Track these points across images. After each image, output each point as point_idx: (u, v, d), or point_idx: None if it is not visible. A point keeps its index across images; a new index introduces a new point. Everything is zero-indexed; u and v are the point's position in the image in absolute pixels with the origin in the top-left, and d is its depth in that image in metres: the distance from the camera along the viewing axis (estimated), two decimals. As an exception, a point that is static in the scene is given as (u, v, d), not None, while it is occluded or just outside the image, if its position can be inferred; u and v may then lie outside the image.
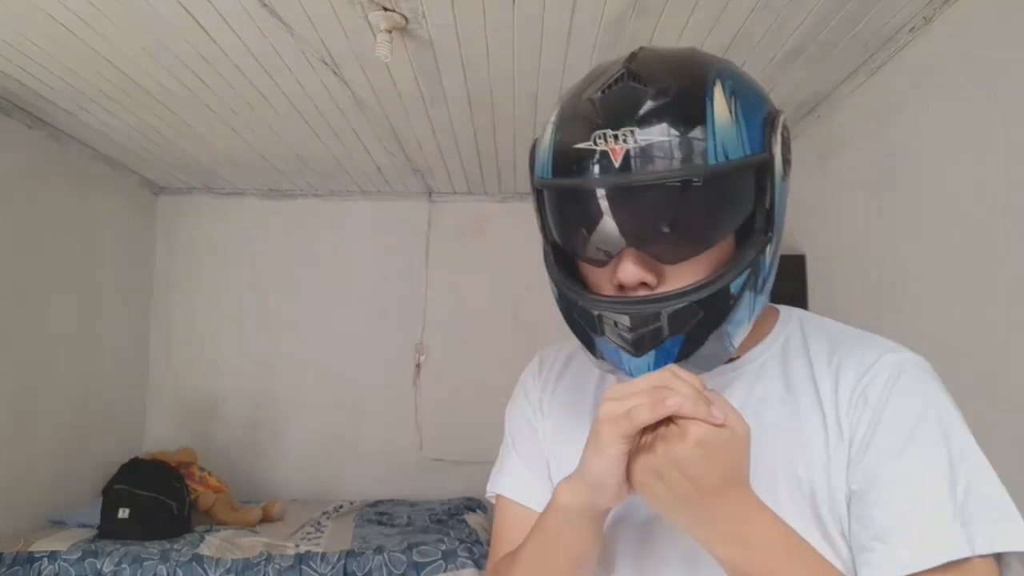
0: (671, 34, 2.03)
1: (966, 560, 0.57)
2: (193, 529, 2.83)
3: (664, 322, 0.61)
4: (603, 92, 0.62)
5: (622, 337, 0.63)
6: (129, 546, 2.49)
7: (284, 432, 3.71)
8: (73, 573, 2.36)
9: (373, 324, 3.77)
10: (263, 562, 2.41)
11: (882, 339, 0.70)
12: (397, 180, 3.62)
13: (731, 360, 0.71)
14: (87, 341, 3.15)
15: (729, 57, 0.86)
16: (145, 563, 2.37)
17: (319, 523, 3.07)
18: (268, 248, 3.81)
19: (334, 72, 2.29)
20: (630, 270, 0.62)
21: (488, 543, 2.02)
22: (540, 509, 0.71)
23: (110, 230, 3.36)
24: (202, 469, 3.23)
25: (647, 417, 0.56)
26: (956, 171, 1.81)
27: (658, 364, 0.62)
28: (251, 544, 2.66)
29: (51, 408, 2.90)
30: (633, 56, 0.64)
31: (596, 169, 0.60)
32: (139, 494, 2.71)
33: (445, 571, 2.45)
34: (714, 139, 0.59)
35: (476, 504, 3.33)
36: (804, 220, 2.60)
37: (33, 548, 2.44)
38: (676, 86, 0.61)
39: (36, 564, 2.37)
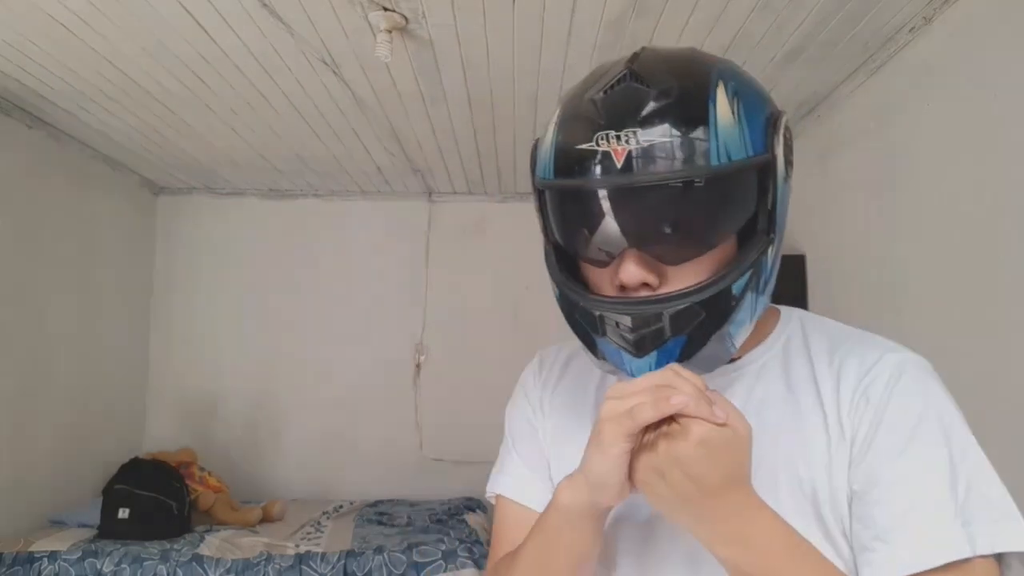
0: (671, 34, 2.03)
1: (967, 560, 0.57)
2: (193, 529, 2.83)
3: (666, 323, 0.61)
4: (605, 92, 0.62)
5: (624, 338, 0.63)
6: (129, 546, 2.49)
7: (284, 432, 3.71)
8: (73, 573, 2.36)
9: (373, 324, 3.77)
10: (263, 562, 2.41)
11: (883, 339, 0.70)
12: (397, 180, 3.62)
13: (732, 360, 0.71)
14: (87, 341, 3.15)
15: (729, 57, 0.86)
16: (145, 563, 2.37)
17: (319, 523, 3.07)
18: (268, 248, 3.81)
19: (334, 72, 2.29)
20: (632, 271, 0.62)
21: (488, 543, 2.02)
22: (540, 509, 0.71)
23: (110, 230, 3.36)
24: (202, 469, 3.23)
25: (650, 415, 0.56)
26: (956, 171, 1.81)
27: (660, 365, 0.62)
28: (251, 544, 2.66)
29: (51, 408, 2.90)
30: (635, 56, 0.64)
31: (598, 170, 0.60)
32: (139, 494, 2.71)
33: (445, 571, 2.45)
34: (717, 140, 0.59)
35: (476, 504, 3.33)
36: (804, 220, 2.60)
37: (33, 548, 2.44)
38: (679, 87, 0.60)
39: (36, 564, 2.37)
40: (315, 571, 2.41)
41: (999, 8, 1.66)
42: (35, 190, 2.81)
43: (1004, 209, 1.63)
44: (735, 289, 0.62)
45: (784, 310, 0.76)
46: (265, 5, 1.87)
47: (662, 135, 0.59)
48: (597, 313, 0.64)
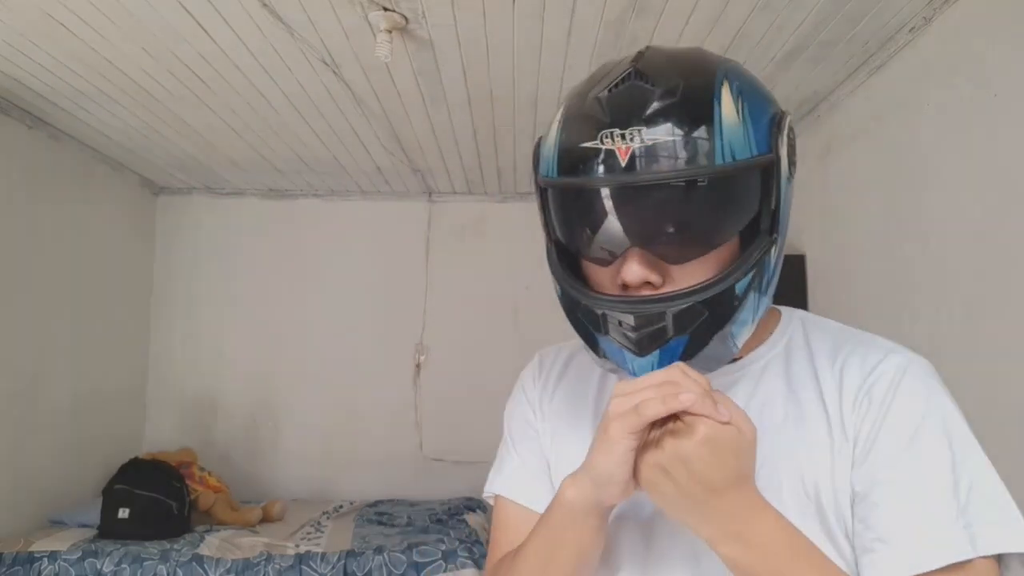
0: (671, 34, 2.03)
1: (968, 561, 0.57)
2: (193, 529, 2.83)
3: (669, 322, 0.61)
4: (610, 91, 0.62)
5: (626, 336, 0.63)
6: (129, 546, 2.49)
7: (284, 432, 3.71)
8: (73, 573, 2.36)
9: (373, 324, 3.77)
10: (263, 562, 2.41)
11: (884, 340, 0.70)
12: (397, 180, 3.62)
13: (734, 360, 0.71)
14: (87, 341, 3.15)
15: (729, 57, 0.86)
16: (145, 563, 2.37)
17: (319, 523, 3.07)
18: (268, 248, 3.80)
19: (334, 72, 2.29)
20: (635, 270, 0.62)
21: (488, 543, 2.02)
22: (539, 509, 0.71)
23: (110, 230, 3.36)
24: (202, 469, 3.23)
25: (659, 410, 0.56)
26: (956, 171, 1.81)
27: (662, 364, 0.62)
28: (251, 544, 2.66)
29: (51, 408, 2.90)
30: (640, 55, 0.64)
31: (602, 168, 0.60)
32: (139, 494, 2.71)
33: (445, 571, 2.45)
34: (721, 139, 0.59)
35: (476, 504, 3.32)
36: (804, 220, 2.61)
37: (33, 548, 2.43)
38: (683, 86, 0.60)
39: (36, 564, 2.37)
40: (315, 571, 2.41)
41: (999, 8, 1.66)
42: (35, 190, 2.81)
43: (1004, 209, 1.63)
44: (738, 289, 0.62)
45: (785, 311, 0.76)
46: (265, 5, 1.87)
47: (667, 134, 0.59)
48: (600, 311, 0.64)
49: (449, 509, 3.22)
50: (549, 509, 0.68)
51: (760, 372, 0.71)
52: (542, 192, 0.69)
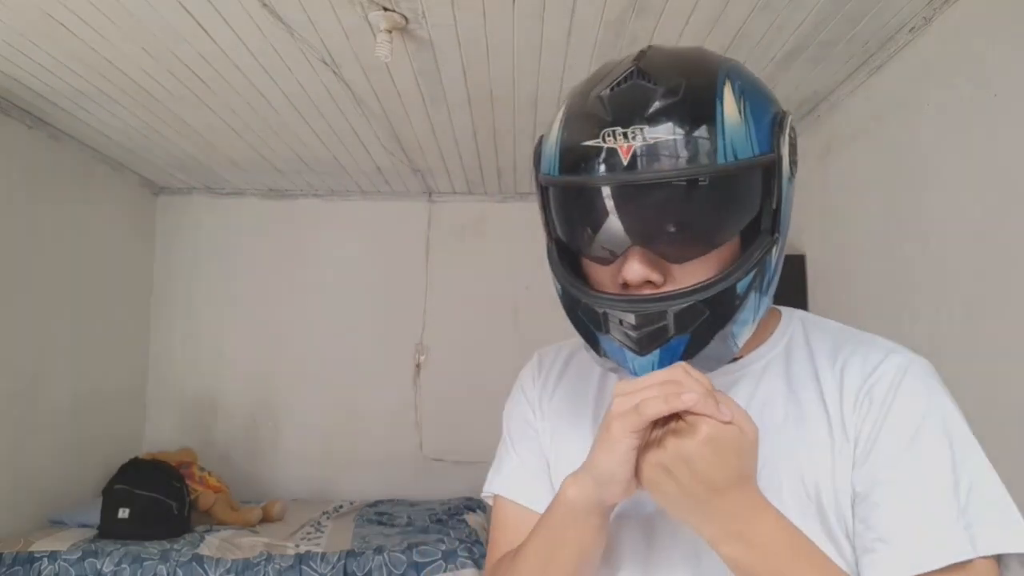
0: (671, 34, 2.03)
1: (968, 561, 0.57)
2: (193, 529, 2.83)
3: (670, 321, 0.61)
4: (612, 90, 0.62)
5: (627, 335, 0.63)
6: (129, 546, 2.49)
7: (284, 432, 3.71)
8: (73, 573, 2.36)
9: (373, 324, 3.77)
10: (263, 562, 2.41)
11: (885, 340, 0.70)
12: (397, 180, 3.62)
13: (735, 360, 0.71)
14: (87, 341, 3.15)
15: (729, 57, 0.86)
16: (145, 563, 2.37)
17: (319, 523, 3.07)
18: (268, 248, 3.80)
19: (334, 72, 2.29)
20: (636, 269, 0.62)
21: (488, 543, 2.02)
22: (539, 509, 0.71)
23: (110, 230, 3.35)
24: (202, 469, 3.23)
25: (660, 409, 0.56)
26: (956, 171, 1.81)
27: (663, 363, 0.62)
28: (251, 544, 2.65)
29: (51, 408, 2.90)
30: (642, 54, 0.64)
31: (604, 167, 0.60)
32: (139, 494, 2.71)
33: (445, 571, 2.45)
34: (723, 139, 0.59)
35: (476, 504, 3.32)
36: (804, 220, 2.61)
37: (33, 548, 2.43)
38: (686, 85, 0.60)
39: (36, 564, 2.37)
40: (315, 571, 2.41)
41: (999, 8, 1.66)
42: (35, 190, 2.81)
43: (1004, 209, 1.63)
44: (739, 288, 0.62)
45: (785, 311, 0.76)
46: (265, 5, 1.87)
47: (669, 133, 0.59)
48: (600, 310, 0.63)
49: (449, 509, 3.22)
50: (550, 508, 0.68)
51: (761, 372, 0.71)
52: (543, 190, 0.69)
